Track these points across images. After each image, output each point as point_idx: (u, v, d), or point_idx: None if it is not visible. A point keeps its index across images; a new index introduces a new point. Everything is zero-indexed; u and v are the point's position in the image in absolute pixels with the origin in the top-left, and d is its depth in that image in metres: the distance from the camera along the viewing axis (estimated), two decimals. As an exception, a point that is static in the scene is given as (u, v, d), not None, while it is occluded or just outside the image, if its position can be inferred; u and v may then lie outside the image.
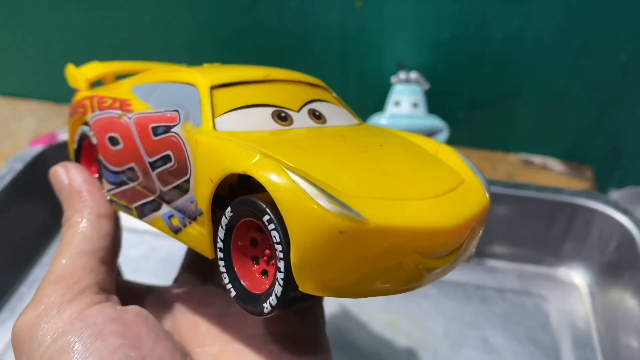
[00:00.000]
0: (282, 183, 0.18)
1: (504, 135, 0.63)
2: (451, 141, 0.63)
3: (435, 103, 0.59)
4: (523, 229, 0.48)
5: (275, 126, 0.23)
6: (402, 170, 0.22)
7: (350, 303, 0.45)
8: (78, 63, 0.34)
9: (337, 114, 0.26)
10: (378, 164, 0.22)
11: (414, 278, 0.20)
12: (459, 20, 0.56)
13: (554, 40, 0.55)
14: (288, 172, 0.19)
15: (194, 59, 0.53)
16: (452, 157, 0.26)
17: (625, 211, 0.45)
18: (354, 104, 0.62)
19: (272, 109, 0.24)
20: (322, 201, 0.18)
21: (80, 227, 0.25)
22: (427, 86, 0.53)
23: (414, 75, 0.52)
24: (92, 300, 0.23)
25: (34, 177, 0.48)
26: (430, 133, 0.49)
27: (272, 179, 0.19)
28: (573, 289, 0.47)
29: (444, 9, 0.55)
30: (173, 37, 0.62)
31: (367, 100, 0.64)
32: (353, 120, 0.28)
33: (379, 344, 0.42)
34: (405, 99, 0.52)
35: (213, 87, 0.24)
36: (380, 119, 0.49)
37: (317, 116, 0.25)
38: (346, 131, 0.25)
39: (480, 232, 0.23)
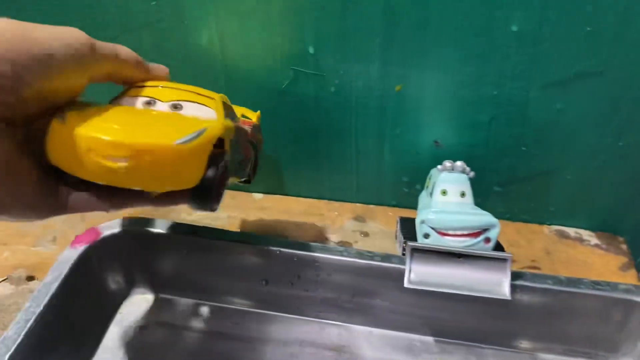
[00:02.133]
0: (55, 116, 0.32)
1: (539, 208, 0.64)
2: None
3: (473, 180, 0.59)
4: (571, 323, 0.48)
5: (140, 106, 0.36)
6: (144, 120, 0.34)
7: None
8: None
9: (196, 109, 0.37)
10: (136, 117, 0.34)
11: (98, 171, 0.31)
12: (499, 104, 0.56)
13: (593, 122, 0.56)
14: (62, 113, 0.32)
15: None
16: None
17: (682, 310, 0.45)
18: (390, 177, 0.62)
19: (146, 99, 0.36)
20: (58, 117, 0.32)
21: None
22: (472, 174, 0.53)
23: (459, 163, 0.52)
24: None
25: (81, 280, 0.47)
26: (484, 229, 0.49)
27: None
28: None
29: (484, 93, 0.55)
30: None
31: (401, 174, 0.64)
32: (212, 115, 0.38)
33: None
34: (452, 189, 0.52)
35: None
36: (428, 214, 0.49)
37: (175, 107, 0.37)
38: (160, 112, 0.36)
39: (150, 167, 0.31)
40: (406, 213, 0.65)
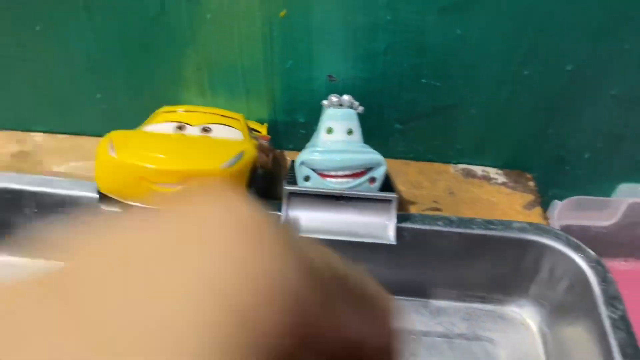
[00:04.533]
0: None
1: (443, 146, 0.59)
2: (388, 154, 0.59)
3: (370, 116, 0.54)
4: (470, 267, 0.44)
5: (173, 131, 0.41)
6: (186, 146, 0.39)
7: None
8: None
9: (225, 131, 0.42)
10: (177, 144, 0.39)
11: (150, 195, 0.34)
12: (394, 30, 0.50)
13: (496, 49, 0.51)
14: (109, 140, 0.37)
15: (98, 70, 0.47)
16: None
17: (577, 247, 0.42)
18: (284, 118, 0.56)
19: (177, 124, 0.42)
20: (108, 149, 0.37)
21: None
22: (361, 109, 0.48)
23: (346, 97, 0.47)
24: None
25: None
26: (368, 168, 0.44)
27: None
28: (524, 330, 0.44)
29: (377, 18, 0.49)
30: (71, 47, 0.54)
31: (296, 114, 0.58)
32: (239, 135, 0.43)
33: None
34: (338, 126, 0.47)
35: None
36: (306, 155, 0.44)
37: (205, 130, 0.42)
38: (197, 136, 0.41)
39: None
40: (305, 156, 0.60)
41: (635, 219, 0.60)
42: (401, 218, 0.43)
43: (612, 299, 0.39)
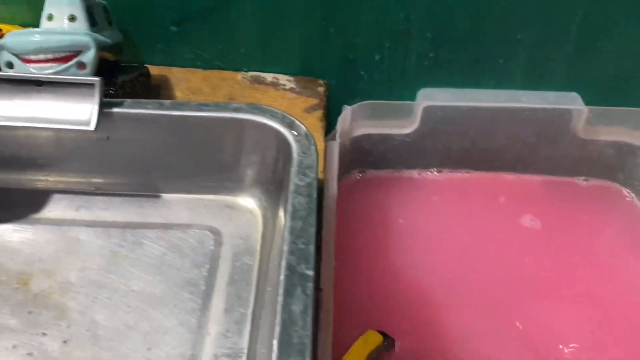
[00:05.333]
0: None
1: (229, 52, 0.56)
2: (174, 61, 0.56)
3: (143, 18, 0.51)
4: (189, 154, 0.41)
5: None
6: None
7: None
8: None
9: None
10: None
11: None
12: None
13: None
14: None
15: None
16: None
17: (291, 124, 0.39)
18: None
19: None
20: None
21: None
22: (87, -5, 0.44)
23: (68, -18, 0.43)
24: None
25: None
26: (76, 52, 0.41)
27: None
28: (246, 214, 0.42)
29: None
30: None
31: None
32: None
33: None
34: (59, 12, 0.43)
35: None
36: (8, 36, 0.41)
37: None
38: None
39: None
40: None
41: (437, 125, 0.57)
42: (109, 104, 0.40)
43: (306, 168, 0.36)
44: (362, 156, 0.57)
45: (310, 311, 0.29)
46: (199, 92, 0.54)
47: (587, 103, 0.52)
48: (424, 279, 0.46)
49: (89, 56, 0.41)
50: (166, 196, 0.43)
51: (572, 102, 0.53)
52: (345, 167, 0.56)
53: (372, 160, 0.58)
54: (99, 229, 0.41)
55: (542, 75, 0.55)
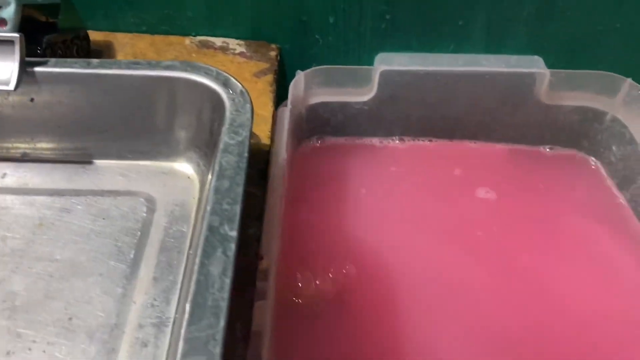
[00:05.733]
0: None
1: (175, 15, 0.53)
2: (119, 27, 0.53)
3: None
4: (119, 116, 0.39)
5: None
6: None
7: None
8: None
9: None
10: None
11: None
12: None
13: None
14: None
15: None
16: None
17: (226, 82, 0.37)
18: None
19: None
20: None
21: None
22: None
23: None
24: None
25: None
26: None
27: None
28: (181, 178, 0.39)
29: None
30: None
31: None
32: None
33: None
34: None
35: None
36: None
37: None
38: None
39: None
40: None
41: (396, 91, 0.55)
42: (31, 63, 0.37)
43: (239, 127, 0.34)
44: (320, 124, 0.55)
45: (230, 273, 0.26)
46: (143, 58, 0.51)
47: (550, 66, 0.50)
48: (377, 248, 0.45)
49: (8, 12, 0.38)
50: (98, 162, 0.40)
51: (534, 65, 0.51)
52: (303, 133, 0.54)
53: (330, 129, 0.56)
54: (26, 197, 0.38)
55: (503, 37, 0.53)
